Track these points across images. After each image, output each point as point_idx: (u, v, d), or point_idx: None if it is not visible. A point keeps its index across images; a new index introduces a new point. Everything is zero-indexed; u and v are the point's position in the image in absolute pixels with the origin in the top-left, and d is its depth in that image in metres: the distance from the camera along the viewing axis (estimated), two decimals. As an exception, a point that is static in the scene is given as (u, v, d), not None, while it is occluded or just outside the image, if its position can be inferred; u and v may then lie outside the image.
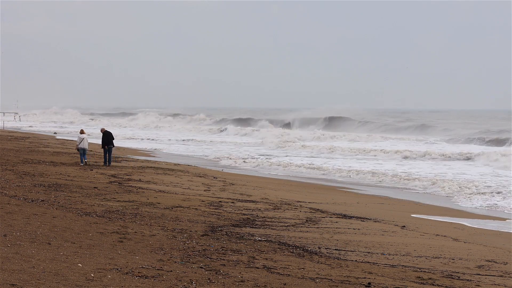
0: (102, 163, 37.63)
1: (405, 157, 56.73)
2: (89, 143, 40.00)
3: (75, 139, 38.93)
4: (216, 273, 13.11)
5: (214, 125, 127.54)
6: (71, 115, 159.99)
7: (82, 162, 36.93)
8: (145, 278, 12.20)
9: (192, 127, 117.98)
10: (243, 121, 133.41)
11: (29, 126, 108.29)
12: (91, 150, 47.86)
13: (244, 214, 22.06)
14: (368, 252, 16.91)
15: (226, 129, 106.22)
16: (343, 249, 17.16)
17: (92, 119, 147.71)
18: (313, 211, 23.90)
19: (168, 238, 16.71)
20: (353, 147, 65.73)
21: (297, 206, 25.07)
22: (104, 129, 39.59)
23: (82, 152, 37.23)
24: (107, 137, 37.96)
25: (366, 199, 29.60)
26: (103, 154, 38.38)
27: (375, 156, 58.13)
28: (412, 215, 25.09)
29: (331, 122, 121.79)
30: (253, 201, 25.56)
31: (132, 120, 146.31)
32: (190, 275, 12.68)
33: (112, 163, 37.95)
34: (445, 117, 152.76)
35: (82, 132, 38.61)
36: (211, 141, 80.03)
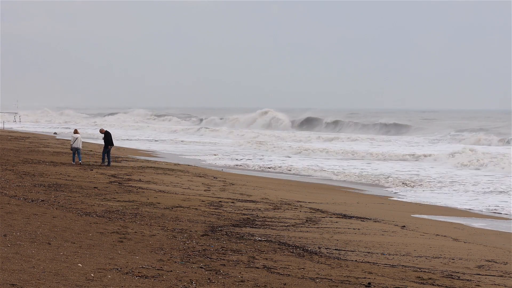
0: (101, 163, 37.59)
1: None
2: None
3: (69, 138, 39.12)
4: (216, 273, 13.11)
5: (192, 125, 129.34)
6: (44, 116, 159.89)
7: (73, 161, 37.11)
8: (145, 278, 12.20)
9: (164, 127, 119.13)
10: (217, 122, 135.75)
11: (20, 127, 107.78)
12: (90, 150, 47.85)
13: (244, 214, 22.05)
14: (368, 252, 16.91)
15: (199, 130, 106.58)
16: (343, 249, 17.16)
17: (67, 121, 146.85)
18: (313, 211, 23.90)
19: (168, 238, 16.71)
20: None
21: (297, 206, 25.07)
22: (104, 129, 39.60)
23: (75, 151, 37.40)
24: (110, 137, 38.05)
25: (366, 199, 29.60)
26: (102, 153, 38.32)
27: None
28: (412, 215, 25.10)
29: (303, 122, 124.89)
30: (253, 201, 25.56)
31: (113, 120, 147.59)
32: (190, 275, 12.68)
33: (112, 163, 37.95)
34: (435, 117, 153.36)
35: (76, 132, 38.71)
36: (181, 140, 79.06)
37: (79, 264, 12.73)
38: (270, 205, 24.83)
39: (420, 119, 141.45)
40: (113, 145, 38.08)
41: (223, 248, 15.84)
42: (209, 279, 12.53)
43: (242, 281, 12.56)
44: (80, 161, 37.04)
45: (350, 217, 23.01)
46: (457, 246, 18.69)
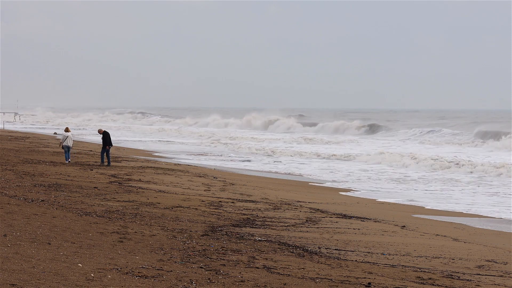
0: (100, 163, 37.58)
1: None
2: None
3: (60, 137, 39.40)
4: (216, 273, 13.11)
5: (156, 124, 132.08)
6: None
7: (67, 159, 37.30)
8: (145, 278, 12.20)
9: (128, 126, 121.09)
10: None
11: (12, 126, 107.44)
12: (90, 150, 47.86)
13: (244, 214, 22.05)
14: (368, 252, 16.91)
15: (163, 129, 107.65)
16: (343, 249, 17.16)
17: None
18: (313, 211, 23.90)
19: (168, 238, 16.71)
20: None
21: (297, 206, 25.06)
22: (102, 129, 39.59)
23: (67, 149, 37.54)
24: (108, 137, 38.02)
25: (366, 199, 29.61)
26: (101, 154, 38.27)
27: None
28: (412, 215, 25.10)
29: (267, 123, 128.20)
30: (253, 201, 25.55)
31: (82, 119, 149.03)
32: (190, 275, 12.68)
33: (112, 163, 37.94)
34: (424, 116, 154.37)
35: (67, 130, 38.90)
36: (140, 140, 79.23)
37: (79, 264, 12.73)
38: (270, 205, 24.82)
39: (405, 118, 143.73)
40: (111, 145, 38.04)
41: (223, 248, 15.83)
42: (209, 279, 12.53)
43: (242, 281, 12.56)
44: (68, 160, 37.21)
45: (350, 217, 23.01)
46: (457, 246, 18.69)
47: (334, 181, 37.76)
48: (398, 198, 30.66)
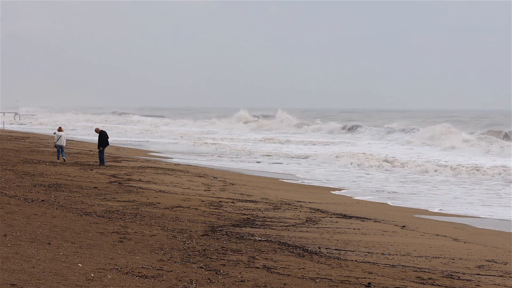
0: (99, 163, 37.55)
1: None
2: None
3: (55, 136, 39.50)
4: (216, 273, 13.11)
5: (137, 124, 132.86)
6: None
7: (58, 158, 37.49)
8: (145, 278, 12.20)
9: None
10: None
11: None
12: (90, 150, 47.86)
13: (244, 214, 22.06)
14: (368, 252, 16.92)
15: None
16: (343, 249, 17.16)
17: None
18: (313, 211, 23.90)
19: (168, 238, 16.71)
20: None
21: (297, 206, 25.07)
22: (99, 129, 39.55)
23: (59, 149, 37.65)
24: (105, 137, 37.91)
25: (366, 199, 29.60)
26: (98, 154, 38.23)
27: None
28: (412, 215, 25.10)
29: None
30: (253, 201, 25.56)
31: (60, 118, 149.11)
32: (190, 275, 12.68)
33: (112, 163, 37.89)
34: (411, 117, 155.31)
35: (60, 129, 39.04)
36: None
37: (79, 264, 12.73)
38: (270, 205, 24.83)
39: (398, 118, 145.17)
40: (106, 145, 37.88)
41: (223, 248, 15.84)
42: (209, 279, 12.53)
43: (242, 281, 12.56)
44: (63, 158, 37.49)
45: (350, 217, 23.02)
46: (457, 246, 18.70)
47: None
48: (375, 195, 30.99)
